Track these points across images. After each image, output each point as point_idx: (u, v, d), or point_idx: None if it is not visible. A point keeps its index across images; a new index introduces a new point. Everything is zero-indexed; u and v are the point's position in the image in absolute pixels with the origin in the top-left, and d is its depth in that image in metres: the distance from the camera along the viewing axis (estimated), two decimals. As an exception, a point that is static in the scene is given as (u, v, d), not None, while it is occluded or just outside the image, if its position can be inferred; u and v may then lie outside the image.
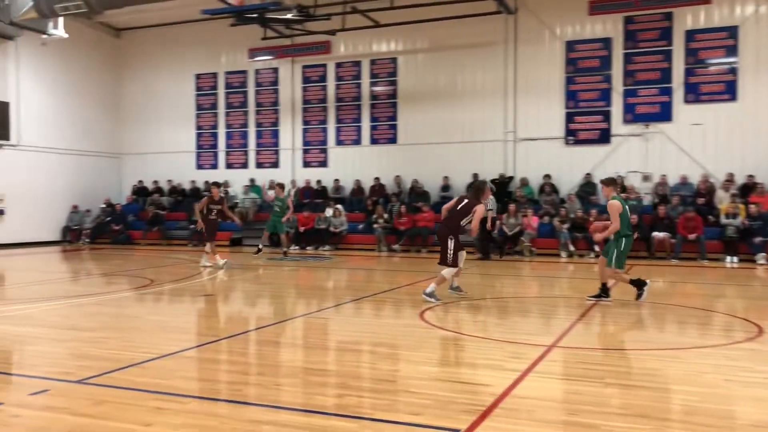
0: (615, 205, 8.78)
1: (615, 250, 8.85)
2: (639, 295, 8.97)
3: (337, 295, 11.03)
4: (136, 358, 5.96)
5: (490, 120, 20.45)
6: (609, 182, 9.20)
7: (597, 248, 16.64)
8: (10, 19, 19.32)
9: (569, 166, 19.51)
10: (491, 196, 15.36)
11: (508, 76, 20.22)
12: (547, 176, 19.30)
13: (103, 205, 23.28)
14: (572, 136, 19.61)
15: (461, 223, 9.24)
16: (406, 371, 5.53)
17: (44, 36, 20.67)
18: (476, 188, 9.64)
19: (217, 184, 15.37)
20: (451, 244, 9.08)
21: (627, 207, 9.02)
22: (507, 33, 20.16)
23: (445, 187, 20.39)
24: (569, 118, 19.63)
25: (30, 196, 21.59)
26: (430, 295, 9.01)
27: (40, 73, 22.27)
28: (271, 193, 18.70)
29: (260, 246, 16.45)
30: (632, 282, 9.07)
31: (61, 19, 20.47)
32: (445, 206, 9.62)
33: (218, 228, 14.94)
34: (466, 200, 9.37)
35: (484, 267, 14.51)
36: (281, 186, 16.98)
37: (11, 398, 4.84)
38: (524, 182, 19.61)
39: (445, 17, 19.99)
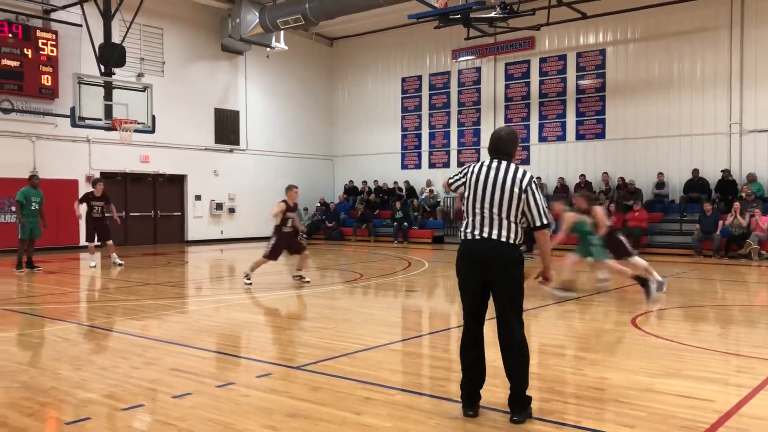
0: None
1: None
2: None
3: (541, 296, 10.76)
4: (348, 348, 6.32)
5: (710, 111, 18.73)
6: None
7: None
8: (240, 36, 21.59)
9: (808, 160, 17.31)
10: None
11: (734, 63, 18.35)
12: (780, 171, 17.27)
13: (318, 204, 25.01)
14: (813, 126, 17.31)
15: None
16: (617, 379, 5.24)
17: (268, 49, 22.81)
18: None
19: None
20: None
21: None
22: (732, 15, 18.31)
23: (660, 185, 19.03)
24: (809, 105, 17.37)
25: (256, 196, 23.82)
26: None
27: (264, 83, 24.46)
28: None
29: None
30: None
31: (282, 33, 22.47)
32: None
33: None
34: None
35: (705, 271, 13.33)
36: None
37: (241, 379, 5.36)
38: (751, 178, 17.69)
39: (661, 3, 18.72)
